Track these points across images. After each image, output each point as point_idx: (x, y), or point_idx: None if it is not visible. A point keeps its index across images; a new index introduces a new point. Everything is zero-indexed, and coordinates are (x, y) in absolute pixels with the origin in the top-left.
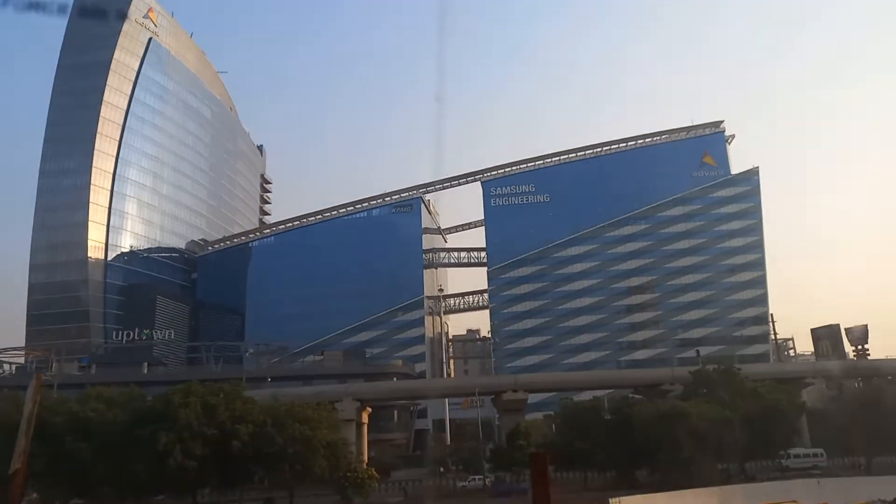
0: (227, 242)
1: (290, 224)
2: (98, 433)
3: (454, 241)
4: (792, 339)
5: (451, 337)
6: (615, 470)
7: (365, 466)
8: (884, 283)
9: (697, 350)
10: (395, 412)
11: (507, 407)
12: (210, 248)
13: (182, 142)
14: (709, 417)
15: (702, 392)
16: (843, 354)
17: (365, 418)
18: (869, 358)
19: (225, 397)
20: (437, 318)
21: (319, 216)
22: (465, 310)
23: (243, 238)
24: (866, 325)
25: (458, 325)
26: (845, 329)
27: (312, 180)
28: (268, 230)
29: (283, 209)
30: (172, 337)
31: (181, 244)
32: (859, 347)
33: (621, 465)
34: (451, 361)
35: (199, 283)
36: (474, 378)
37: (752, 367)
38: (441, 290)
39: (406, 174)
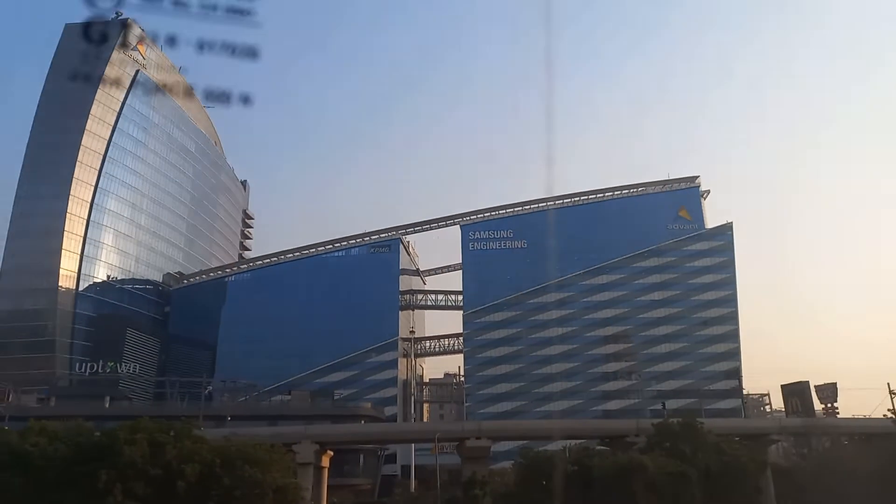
0: (203, 276)
1: (267, 260)
2: (37, 468)
3: (433, 283)
4: (768, 394)
5: (426, 380)
6: None
7: None
8: (854, 343)
9: (663, 402)
10: (362, 456)
11: (469, 454)
12: (185, 281)
13: (164, 174)
14: (666, 471)
15: (664, 445)
16: (812, 412)
17: (325, 462)
18: (837, 416)
19: (175, 435)
20: (412, 360)
21: (297, 253)
22: (440, 353)
23: (219, 272)
24: (835, 384)
25: (436, 368)
26: (815, 387)
27: (296, 217)
28: (244, 265)
29: (265, 245)
30: (137, 371)
31: (157, 276)
32: (828, 405)
33: None
34: (426, 405)
35: (171, 317)
36: (436, 423)
37: (717, 421)
38: (412, 331)
39: (387, 215)
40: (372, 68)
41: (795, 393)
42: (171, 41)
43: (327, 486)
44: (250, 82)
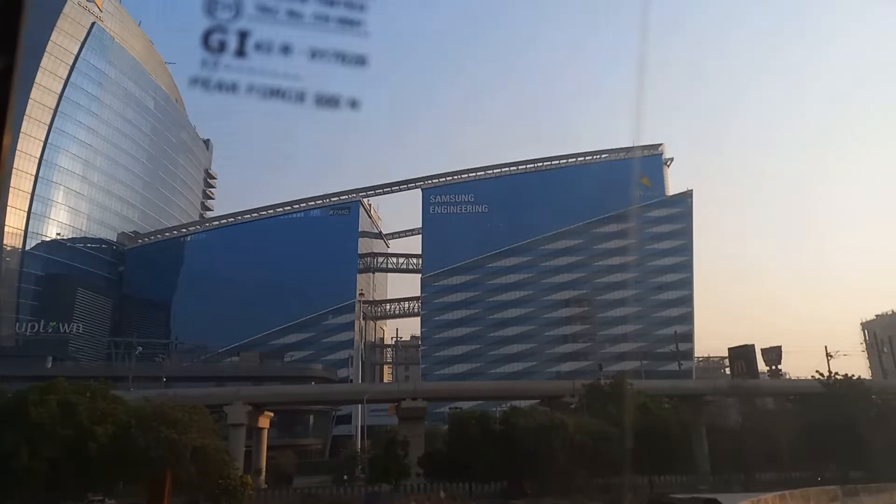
0: (159, 236)
1: (226, 220)
2: None
3: (399, 247)
4: (727, 357)
5: (389, 342)
6: (502, 480)
7: (241, 473)
8: (799, 308)
9: (600, 364)
10: (311, 417)
11: (406, 415)
12: (141, 240)
13: (120, 131)
14: (587, 430)
15: (595, 406)
16: (756, 374)
17: (264, 423)
18: (781, 377)
19: (90, 396)
20: (372, 323)
21: (256, 214)
22: (399, 315)
23: (175, 232)
24: (780, 347)
25: (403, 330)
26: (762, 350)
27: (261, 178)
28: (201, 225)
29: (229, 206)
30: (80, 330)
31: (111, 236)
32: (773, 367)
33: (504, 476)
34: (386, 367)
35: (126, 277)
36: (373, 385)
37: (651, 383)
38: (362, 294)
39: (349, 177)
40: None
41: (741, 355)
42: (285, 49)
43: (273, 447)
44: None
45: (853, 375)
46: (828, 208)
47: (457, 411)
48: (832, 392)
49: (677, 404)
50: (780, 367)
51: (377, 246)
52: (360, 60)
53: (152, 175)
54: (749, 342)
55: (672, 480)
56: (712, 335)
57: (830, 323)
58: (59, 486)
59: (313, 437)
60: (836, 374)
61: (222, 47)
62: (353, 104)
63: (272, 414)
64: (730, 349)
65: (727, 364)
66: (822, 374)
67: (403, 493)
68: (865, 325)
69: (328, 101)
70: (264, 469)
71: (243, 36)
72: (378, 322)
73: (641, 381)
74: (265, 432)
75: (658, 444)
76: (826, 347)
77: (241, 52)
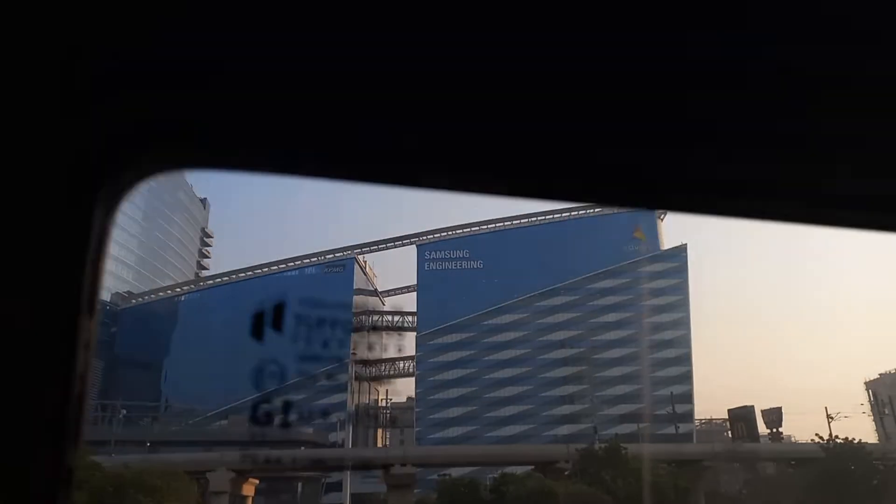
0: (153, 296)
1: (220, 279)
2: None
3: (396, 304)
4: (728, 420)
5: (384, 404)
6: None
7: None
8: (800, 368)
9: (594, 427)
10: (300, 485)
11: (394, 482)
12: (135, 300)
13: None
14: (578, 498)
15: (589, 471)
16: (757, 436)
17: (248, 491)
18: (781, 439)
19: None
20: (367, 384)
21: (250, 272)
22: (395, 376)
23: (170, 292)
24: (780, 408)
25: (401, 391)
26: (762, 411)
27: (257, 237)
28: (194, 285)
29: (225, 265)
30: None
31: (104, 296)
32: (773, 430)
33: None
34: (380, 430)
35: (119, 338)
36: (359, 450)
37: (653, 446)
38: (354, 353)
39: (344, 235)
40: None
41: (741, 417)
42: None
43: None
44: None
45: (854, 439)
46: (832, 257)
47: (446, 479)
48: (832, 456)
49: (675, 470)
50: (780, 429)
51: (372, 304)
52: None
53: (147, 235)
54: (751, 401)
55: None
56: (714, 395)
57: (836, 381)
58: None
59: None
60: (836, 437)
61: None
62: None
63: (257, 481)
64: (729, 411)
65: (728, 427)
66: (821, 438)
67: None
68: (869, 385)
69: None
70: None
71: None
72: (373, 383)
73: (637, 446)
74: (249, 500)
75: None
76: (826, 409)
77: None
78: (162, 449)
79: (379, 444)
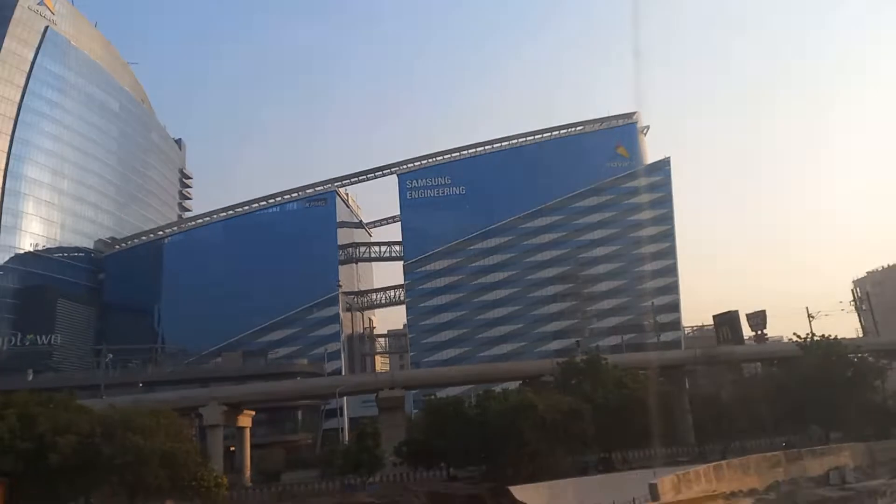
0: (136, 240)
1: (201, 220)
2: None
3: (382, 235)
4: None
5: (379, 332)
6: (480, 464)
7: (217, 474)
8: (783, 270)
9: (577, 341)
10: (300, 413)
11: (384, 405)
12: (118, 246)
13: (85, 136)
14: (559, 409)
15: (570, 383)
16: (742, 340)
17: (246, 422)
18: (766, 341)
19: (53, 407)
20: (360, 314)
21: (231, 211)
22: (385, 305)
23: (153, 235)
24: (764, 311)
25: (395, 320)
26: (746, 315)
27: (241, 174)
28: (177, 227)
29: (208, 205)
30: (59, 341)
31: (87, 243)
32: (758, 332)
33: (480, 459)
34: (377, 358)
35: (106, 284)
36: (347, 377)
37: (627, 356)
38: (340, 285)
39: (325, 167)
40: (314, 15)
41: (726, 322)
42: None
43: (262, 444)
44: (180, 37)
45: (830, 335)
46: (822, 159)
47: (431, 398)
48: (809, 354)
49: (659, 377)
50: (765, 331)
51: (359, 235)
52: None
53: (124, 179)
54: (748, 307)
55: (651, 454)
56: (704, 303)
57: (827, 281)
58: (22, 500)
59: (303, 433)
60: (813, 334)
61: None
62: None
63: (253, 412)
64: (714, 316)
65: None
66: (799, 336)
67: (381, 482)
68: (857, 283)
69: None
70: (248, 467)
71: None
72: (366, 312)
73: (617, 356)
74: (247, 431)
75: (634, 419)
76: (807, 308)
77: None
78: (159, 389)
79: (378, 370)
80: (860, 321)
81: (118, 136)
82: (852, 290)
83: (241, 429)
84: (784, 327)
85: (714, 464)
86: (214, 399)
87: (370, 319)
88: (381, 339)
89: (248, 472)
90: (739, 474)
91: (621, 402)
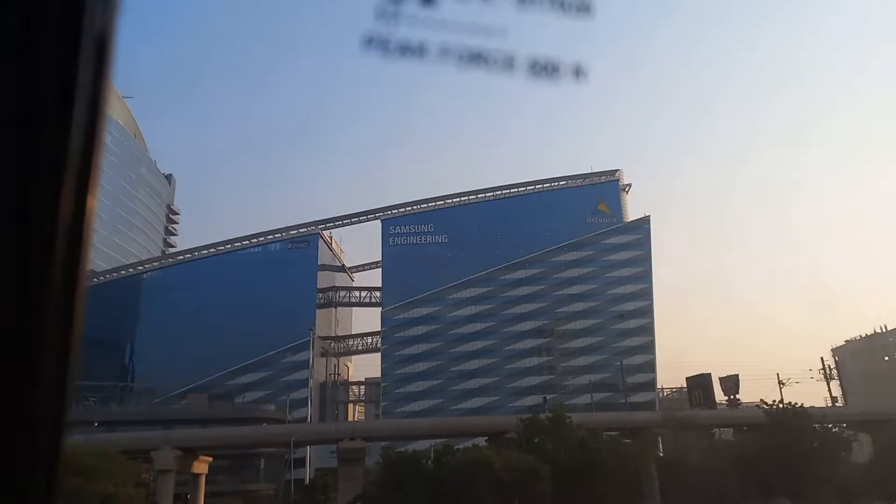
0: (116, 274)
1: (182, 257)
2: None
3: (363, 280)
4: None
5: (355, 380)
6: None
7: None
8: (757, 336)
9: (545, 397)
10: (262, 461)
11: (344, 456)
12: (97, 279)
13: None
14: (517, 469)
15: (533, 441)
16: (714, 404)
17: (201, 468)
18: (739, 406)
19: None
20: (335, 360)
21: (214, 249)
22: (363, 351)
23: (132, 270)
24: (737, 375)
25: (375, 368)
26: (720, 379)
27: (228, 212)
28: (157, 263)
29: (193, 242)
30: None
31: None
32: (731, 397)
33: None
34: (350, 406)
35: None
36: (305, 425)
37: (593, 416)
38: (311, 330)
39: (309, 210)
40: (302, 60)
41: (698, 385)
42: None
43: (219, 493)
44: (176, 71)
45: (797, 404)
46: (802, 222)
47: (389, 451)
48: (775, 421)
49: (626, 438)
50: (737, 395)
51: (340, 279)
52: (584, 7)
53: (110, 212)
54: (730, 371)
55: None
56: (693, 364)
57: (811, 349)
58: None
59: (264, 483)
60: (781, 402)
61: None
62: (578, 72)
63: (210, 459)
64: (687, 378)
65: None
66: (766, 403)
67: None
68: (835, 351)
69: (546, 68)
70: None
71: None
72: (342, 359)
73: (583, 415)
74: (203, 478)
75: (596, 480)
76: (778, 375)
77: None
78: (118, 429)
79: (353, 419)
80: (828, 390)
81: (107, 169)
82: (821, 359)
83: (197, 475)
84: (761, 392)
85: None
86: (168, 443)
87: (347, 366)
88: (355, 388)
89: None
90: None
91: (582, 463)
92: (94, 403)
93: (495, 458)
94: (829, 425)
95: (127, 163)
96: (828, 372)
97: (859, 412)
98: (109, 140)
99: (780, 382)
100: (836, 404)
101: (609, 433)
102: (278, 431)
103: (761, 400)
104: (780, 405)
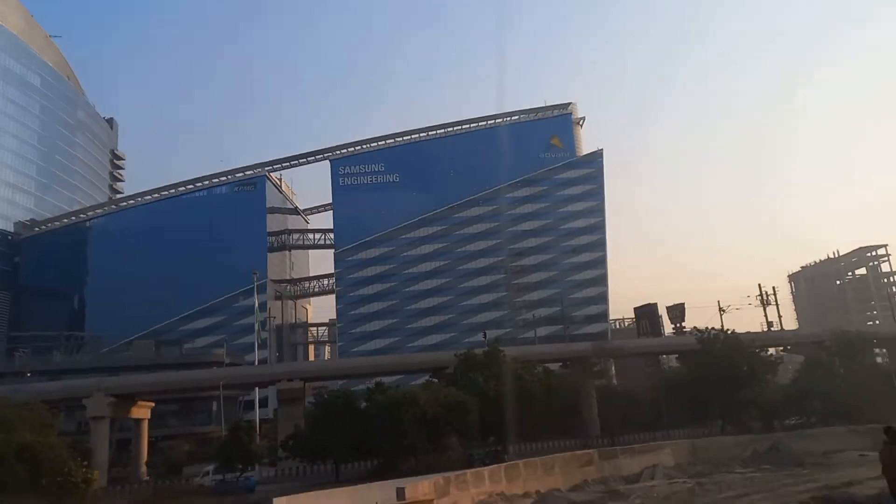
0: (58, 223)
1: (126, 203)
2: None
3: (319, 222)
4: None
5: (310, 322)
6: (365, 459)
7: (88, 469)
8: (701, 267)
9: (484, 332)
10: (215, 404)
11: (283, 397)
12: (38, 228)
13: (3, 112)
14: (442, 403)
15: (468, 375)
16: (660, 332)
17: (142, 413)
18: (685, 334)
19: None
20: (291, 302)
21: (158, 194)
22: (319, 293)
23: (74, 218)
24: (683, 304)
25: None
26: (667, 308)
27: (179, 157)
28: (101, 210)
29: (142, 187)
30: None
31: (5, 225)
32: (677, 325)
33: (364, 454)
34: (311, 347)
35: (23, 267)
36: (241, 368)
37: (528, 348)
38: (255, 273)
39: (256, 152)
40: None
41: (646, 314)
42: None
43: (171, 436)
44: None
45: (730, 330)
46: (765, 152)
47: (322, 390)
48: (707, 347)
49: (567, 369)
50: (683, 324)
51: (294, 222)
52: None
53: (47, 158)
54: (681, 300)
55: (542, 447)
56: (645, 295)
57: (766, 276)
58: None
59: (215, 426)
60: (713, 329)
61: None
62: None
63: (152, 404)
64: (635, 309)
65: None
66: (699, 330)
67: (276, 477)
68: (792, 277)
69: None
70: (144, 461)
71: None
72: (299, 301)
73: (520, 348)
74: (145, 423)
75: (531, 411)
76: (719, 302)
77: None
78: (63, 378)
79: (311, 359)
80: (765, 315)
81: (39, 113)
82: (759, 285)
83: (139, 420)
84: (709, 320)
85: (509, 463)
86: (101, 390)
87: (305, 309)
88: (314, 329)
89: (144, 466)
90: (540, 474)
91: (516, 395)
92: (25, 353)
93: (422, 393)
94: (758, 350)
95: (61, 107)
96: (764, 297)
97: (791, 335)
98: (39, 82)
99: (720, 310)
100: (772, 329)
101: (546, 364)
102: (209, 375)
103: (694, 327)
104: (712, 331)
